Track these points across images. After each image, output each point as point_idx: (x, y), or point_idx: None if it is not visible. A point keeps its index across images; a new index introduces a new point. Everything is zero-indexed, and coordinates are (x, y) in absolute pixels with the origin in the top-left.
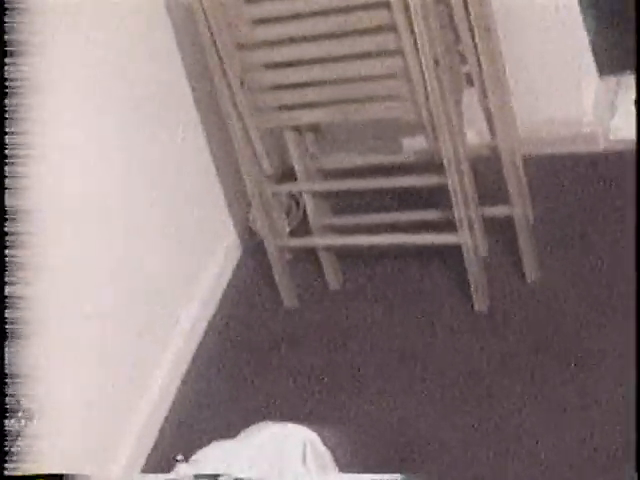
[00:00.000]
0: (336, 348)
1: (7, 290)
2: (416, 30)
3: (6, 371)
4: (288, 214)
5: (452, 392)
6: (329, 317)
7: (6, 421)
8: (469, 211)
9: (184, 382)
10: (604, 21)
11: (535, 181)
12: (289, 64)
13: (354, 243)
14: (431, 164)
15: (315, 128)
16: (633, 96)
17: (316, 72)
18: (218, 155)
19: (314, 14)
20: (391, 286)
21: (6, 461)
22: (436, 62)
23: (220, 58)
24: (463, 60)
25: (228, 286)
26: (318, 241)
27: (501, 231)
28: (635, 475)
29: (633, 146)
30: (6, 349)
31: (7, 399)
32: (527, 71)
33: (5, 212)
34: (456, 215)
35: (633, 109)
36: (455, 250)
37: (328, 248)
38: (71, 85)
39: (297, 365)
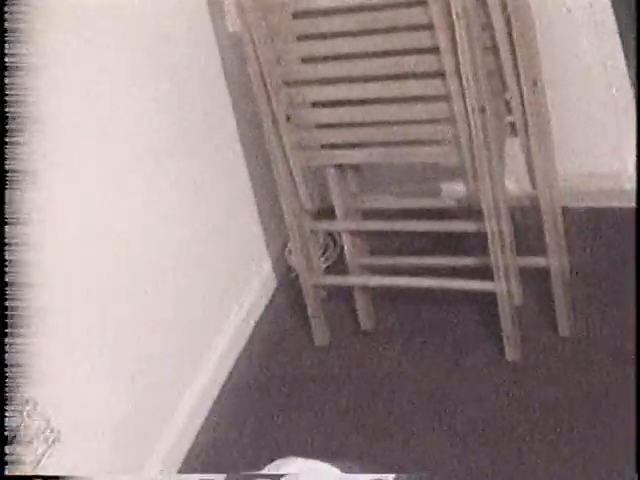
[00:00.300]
0: (364, 389)
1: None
2: (464, 76)
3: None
4: (325, 251)
5: (477, 440)
6: (359, 357)
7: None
8: (506, 259)
9: (211, 412)
10: None
11: (573, 234)
12: (336, 103)
13: (389, 284)
14: (470, 210)
15: (357, 167)
16: None
17: (362, 113)
18: (258, 188)
19: (363, 55)
20: (423, 330)
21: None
22: (482, 109)
23: (267, 92)
24: (508, 109)
25: (260, 319)
26: (353, 280)
27: (536, 281)
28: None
29: None
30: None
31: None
32: (570, 124)
33: None
34: (493, 263)
35: None
36: (489, 297)
37: (363, 288)
38: (119, 114)
39: (324, 403)
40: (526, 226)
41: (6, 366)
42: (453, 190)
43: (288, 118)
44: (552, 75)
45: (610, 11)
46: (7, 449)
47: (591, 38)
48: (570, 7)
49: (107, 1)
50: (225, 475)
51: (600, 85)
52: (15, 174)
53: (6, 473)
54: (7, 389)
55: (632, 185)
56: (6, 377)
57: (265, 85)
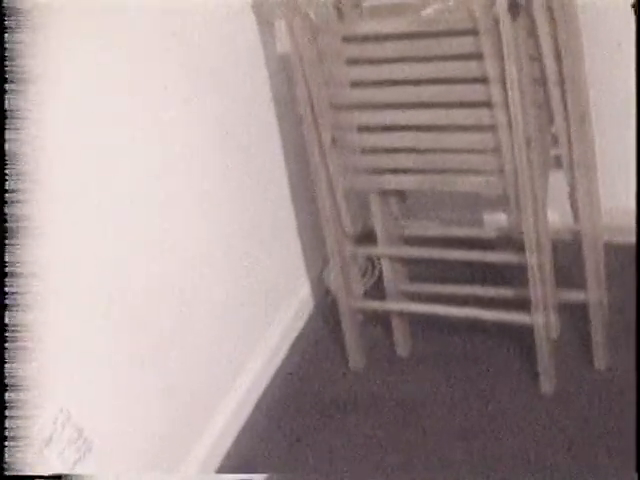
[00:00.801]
0: (397, 415)
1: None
2: (511, 107)
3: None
4: (363, 275)
5: (509, 471)
6: (393, 383)
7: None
8: (545, 292)
9: (241, 433)
10: None
11: (613, 269)
12: (382, 129)
13: (427, 312)
14: (511, 242)
15: (399, 193)
16: None
17: (407, 140)
18: (300, 210)
19: (412, 82)
20: (459, 359)
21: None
22: (528, 141)
23: (314, 115)
24: (554, 141)
25: (296, 340)
26: (391, 306)
27: (574, 315)
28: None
29: None
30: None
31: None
32: (614, 158)
33: None
34: (532, 295)
35: None
36: (526, 329)
37: (400, 313)
38: (172, 138)
39: (355, 428)
40: (566, 259)
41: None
42: (495, 220)
43: (334, 141)
44: (599, 109)
45: None
46: (39, 456)
47: None
48: (620, 41)
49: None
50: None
51: None
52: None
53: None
54: (38, 396)
55: None
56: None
57: (312, 108)
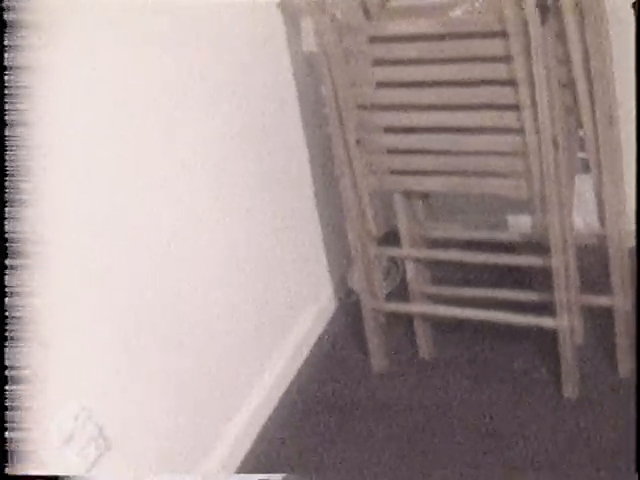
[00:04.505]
0: (420, 418)
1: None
2: (539, 110)
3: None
4: (387, 277)
5: (532, 476)
6: (416, 386)
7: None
8: (570, 297)
9: (261, 436)
10: None
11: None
12: (408, 130)
13: (450, 314)
14: (536, 245)
15: (424, 195)
16: None
17: (433, 141)
18: (324, 209)
19: (438, 83)
20: (482, 362)
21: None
22: (555, 144)
23: (340, 115)
24: (582, 146)
25: (318, 341)
26: (414, 308)
27: (599, 320)
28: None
29: None
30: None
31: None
32: None
33: None
34: (556, 299)
35: None
36: (550, 334)
37: (423, 316)
38: (195, 139)
39: (377, 430)
40: (592, 264)
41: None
42: (520, 223)
43: (358, 142)
44: (627, 113)
45: None
46: (59, 453)
47: None
48: None
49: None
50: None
51: None
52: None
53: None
54: (58, 393)
55: None
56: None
57: (338, 107)
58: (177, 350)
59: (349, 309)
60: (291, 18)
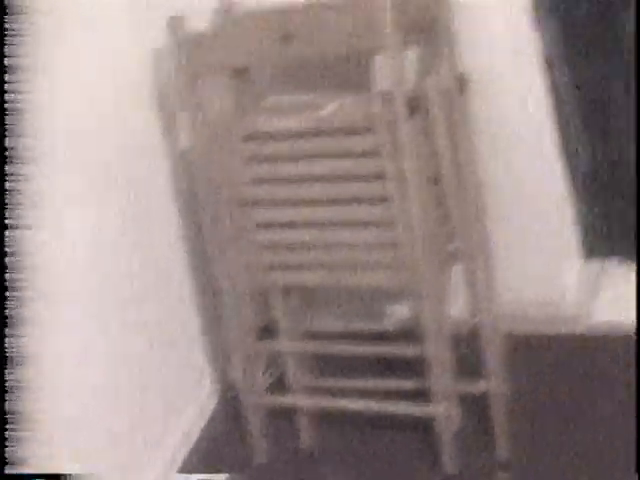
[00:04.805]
0: None
1: None
2: (409, 204)
3: None
4: (267, 370)
5: None
6: (298, 478)
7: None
8: (445, 384)
9: None
10: (595, 206)
11: (514, 359)
12: (283, 225)
13: (331, 406)
14: (413, 333)
15: (302, 288)
16: (618, 279)
17: (308, 236)
18: (202, 304)
19: (313, 179)
20: (364, 451)
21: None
22: (424, 236)
23: (216, 212)
24: (452, 236)
25: (200, 436)
26: (294, 400)
27: (476, 406)
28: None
29: (616, 329)
30: None
31: None
32: (512, 251)
33: None
34: (432, 387)
35: (617, 292)
36: (430, 421)
37: (304, 408)
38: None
39: None
40: (467, 350)
41: None
42: (398, 312)
43: (235, 238)
44: (495, 203)
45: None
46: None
47: (536, 165)
48: (523, 136)
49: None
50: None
51: (542, 213)
52: None
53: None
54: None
55: (573, 311)
56: None
57: (214, 205)
58: None
59: (230, 403)
60: (167, 114)
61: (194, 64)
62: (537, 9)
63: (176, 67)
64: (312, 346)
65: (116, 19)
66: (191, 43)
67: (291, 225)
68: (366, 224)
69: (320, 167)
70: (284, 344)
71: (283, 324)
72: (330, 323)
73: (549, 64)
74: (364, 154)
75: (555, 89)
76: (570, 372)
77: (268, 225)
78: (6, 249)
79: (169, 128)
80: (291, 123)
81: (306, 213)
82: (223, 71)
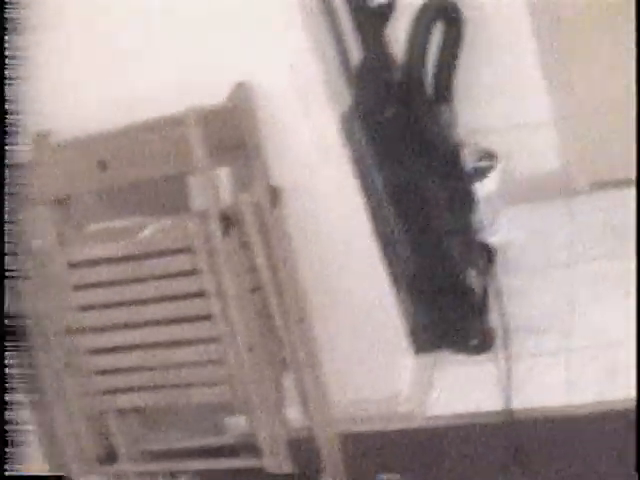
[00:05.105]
0: None
1: None
2: (231, 319)
3: None
4: None
5: None
6: None
7: None
8: None
9: None
10: (420, 303)
11: (352, 458)
12: (114, 349)
13: None
14: (252, 445)
15: (139, 409)
16: (449, 371)
17: (139, 358)
18: (42, 433)
19: (138, 302)
20: None
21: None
22: (251, 349)
23: (46, 341)
24: (280, 345)
25: None
26: None
27: None
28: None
29: (451, 421)
30: None
31: None
32: (343, 352)
33: None
34: None
35: (450, 384)
36: None
37: None
38: None
39: None
40: (306, 454)
41: None
42: (237, 425)
43: (67, 365)
44: (322, 307)
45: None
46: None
47: (360, 268)
48: (344, 241)
49: None
50: None
51: (369, 314)
52: None
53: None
54: None
55: (408, 407)
56: None
57: (44, 333)
58: None
59: None
60: None
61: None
62: (345, 119)
63: None
64: (152, 466)
65: None
66: (9, 175)
67: (120, 349)
68: (193, 342)
69: (144, 290)
70: (124, 465)
71: (123, 447)
72: (170, 441)
73: (362, 169)
74: (185, 274)
75: (371, 193)
76: (409, 467)
77: (98, 350)
78: None
79: None
80: (112, 249)
81: (134, 336)
82: (44, 200)
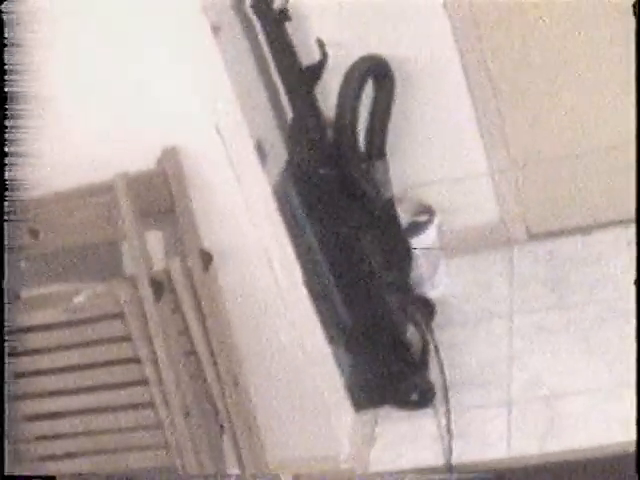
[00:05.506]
0: None
1: None
2: (165, 384)
3: None
4: None
5: None
6: None
7: None
8: None
9: None
10: (357, 359)
11: None
12: (50, 415)
13: None
14: None
15: (79, 477)
16: (389, 426)
17: (76, 424)
18: None
19: (74, 368)
20: None
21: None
22: (187, 413)
23: None
24: (217, 407)
25: None
26: None
27: None
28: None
29: (393, 477)
30: None
31: None
32: (280, 411)
33: None
34: None
35: (391, 440)
36: None
37: None
38: None
39: None
40: None
41: None
42: None
43: (5, 432)
44: (259, 366)
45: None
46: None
47: (295, 326)
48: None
49: None
50: None
51: (307, 372)
52: None
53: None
54: None
55: (349, 464)
56: None
57: None
58: None
59: None
60: None
61: None
62: (279, 178)
63: None
64: None
65: None
66: None
67: (57, 415)
68: (129, 407)
69: (79, 355)
70: None
71: None
72: None
73: (295, 227)
74: (118, 339)
75: (305, 251)
76: None
77: (35, 417)
78: None
79: None
80: (46, 316)
81: (72, 402)
82: None
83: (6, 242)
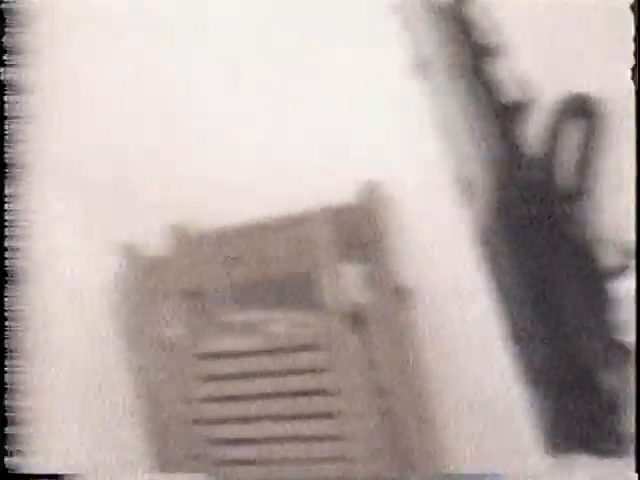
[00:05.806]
0: None
1: None
2: (355, 418)
3: None
4: None
5: None
6: None
7: None
8: None
9: None
10: (553, 404)
11: None
12: (235, 441)
13: None
14: None
15: None
16: (586, 476)
17: (263, 449)
18: None
19: (262, 396)
20: None
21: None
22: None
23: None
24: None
25: None
26: None
27: None
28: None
29: None
30: None
31: None
32: (471, 453)
33: None
34: None
35: None
36: None
37: None
38: None
39: None
40: None
41: None
42: None
43: (195, 456)
44: (449, 410)
45: None
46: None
47: (487, 367)
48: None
49: None
50: None
51: (499, 415)
52: None
53: None
54: None
55: None
56: None
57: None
58: None
59: None
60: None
61: (148, 287)
62: (483, 219)
63: (131, 290)
64: None
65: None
66: (145, 267)
67: (243, 441)
68: (314, 440)
69: (271, 384)
70: None
71: None
72: None
73: (493, 265)
74: (312, 370)
75: (500, 289)
76: None
77: (222, 441)
78: None
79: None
80: (242, 343)
81: (257, 430)
82: (176, 294)
83: None
